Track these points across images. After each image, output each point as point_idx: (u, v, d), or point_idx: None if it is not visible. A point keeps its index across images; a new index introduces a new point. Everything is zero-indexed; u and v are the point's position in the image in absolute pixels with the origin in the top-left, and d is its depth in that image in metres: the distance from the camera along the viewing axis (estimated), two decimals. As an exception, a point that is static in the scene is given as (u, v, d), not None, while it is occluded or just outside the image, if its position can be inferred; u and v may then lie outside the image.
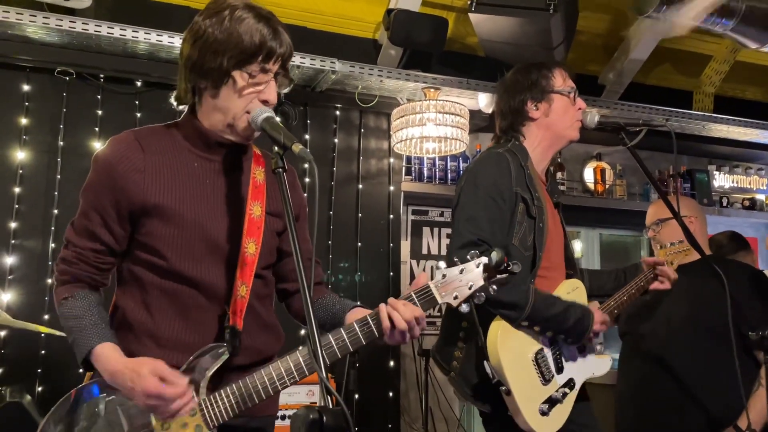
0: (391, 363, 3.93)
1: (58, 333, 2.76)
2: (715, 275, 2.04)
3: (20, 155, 3.36)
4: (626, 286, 2.24)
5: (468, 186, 2.04)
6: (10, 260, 3.27)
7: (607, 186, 4.72)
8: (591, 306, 2.12)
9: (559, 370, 2.03)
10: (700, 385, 2.41)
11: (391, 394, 3.92)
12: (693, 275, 2.47)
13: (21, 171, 3.35)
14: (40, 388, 3.22)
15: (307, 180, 3.81)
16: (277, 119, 1.44)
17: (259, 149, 1.68)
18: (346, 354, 1.44)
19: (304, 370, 1.43)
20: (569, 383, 2.04)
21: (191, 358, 1.44)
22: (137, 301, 1.49)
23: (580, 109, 2.21)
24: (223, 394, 1.43)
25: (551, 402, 1.97)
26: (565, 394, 2.01)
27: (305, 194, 3.67)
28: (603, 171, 4.74)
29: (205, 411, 1.41)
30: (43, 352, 3.24)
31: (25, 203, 3.35)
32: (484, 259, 1.45)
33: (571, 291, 2.13)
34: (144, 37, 3.27)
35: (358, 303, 1.67)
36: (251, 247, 1.52)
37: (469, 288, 1.45)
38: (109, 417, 1.41)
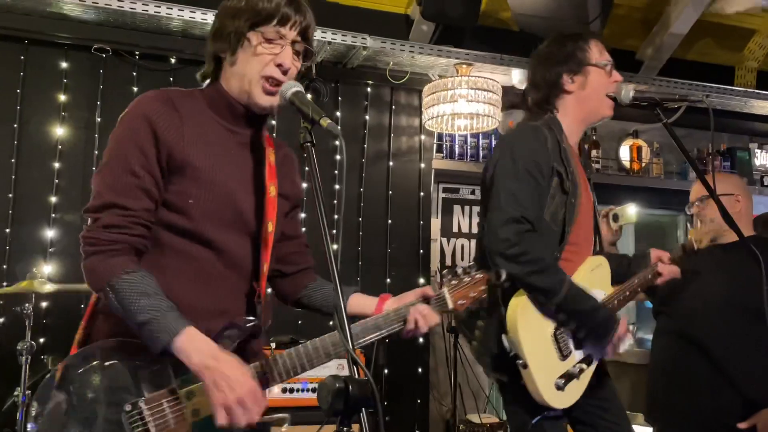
0: (421, 339, 3.95)
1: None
2: (754, 255, 2.00)
3: (59, 131, 3.44)
4: (630, 281, 2.20)
5: (505, 159, 2.01)
6: (50, 233, 3.37)
7: (643, 164, 4.62)
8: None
9: (578, 345, 2.02)
10: (734, 364, 2.38)
11: (420, 369, 3.95)
12: (732, 254, 2.42)
13: (60, 147, 3.44)
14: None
15: (337, 157, 3.82)
16: (308, 95, 1.44)
17: (268, 133, 1.68)
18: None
19: (331, 351, 1.46)
20: (587, 359, 2.03)
21: (224, 327, 1.42)
22: (151, 263, 1.42)
23: (615, 82, 2.16)
24: (253, 370, 1.41)
25: (567, 377, 1.96)
26: (581, 370, 2.00)
27: (335, 171, 3.78)
28: (639, 149, 4.64)
29: None
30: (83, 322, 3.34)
31: (64, 178, 3.44)
32: (485, 275, 1.65)
33: (595, 268, 2.11)
34: (177, 14, 3.31)
35: (356, 288, 1.71)
36: (270, 226, 1.54)
37: (473, 297, 1.64)
38: (121, 382, 1.34)
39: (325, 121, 1.32)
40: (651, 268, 2.25)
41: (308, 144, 1.36)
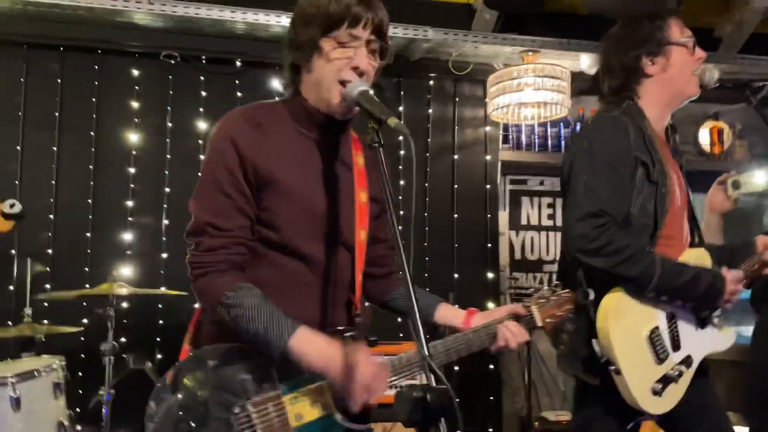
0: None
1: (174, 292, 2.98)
2: None
3: (133, 137, 3.56)
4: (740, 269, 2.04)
5: (582, 153, 1.91)
6: (128, 236, 3.49)
7: (725, 147, 4.37)
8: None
9: (676, 347, 1.91)
10: None
11: (492, 366, 3.89)
12: None
13: (134, 152, 3.55)
14: (159, 356, 3.44)
15: (402, 152, 3.78)
16: (372, 92, 1.40)
17: (356, 134, 1.66)
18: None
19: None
20: (686, 361, 1.91)
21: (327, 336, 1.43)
22: (248, 274, 1.45)
23: (699, 59, 2.02)
24: None
25: (665, 381, 1.86)
26: (681, 373, 1.89)
27: (400, 166, 3.74)
28: (720, 131, 4.39)
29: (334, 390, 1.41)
30: (161, 322, 3.46)
31: (139, 183, 3.55)
32: (572, 294, 1.68)
33: (695, 261, 1.98)
34: (242, 17, 3.35)
35: (443, 299, 1.70)
36: (362, 235, 1.53)
37: (560, 315, 1.68)
38: (229, 385, 1.39)
39: (392, 121, 1.29)
40: (758, 258, 2.09)
41: (376, 145, 1.33)
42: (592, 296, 1.64)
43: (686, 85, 2.00)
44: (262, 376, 1.40)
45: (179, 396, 1.39)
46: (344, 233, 1.51)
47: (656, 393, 1.84)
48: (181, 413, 1.38)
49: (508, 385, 4.00)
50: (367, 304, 1.71)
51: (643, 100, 2.01)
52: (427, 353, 1.11)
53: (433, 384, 1.07)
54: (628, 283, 1.82)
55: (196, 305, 1.56)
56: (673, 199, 1.94)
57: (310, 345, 1.35)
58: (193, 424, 1.38)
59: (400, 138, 3.82)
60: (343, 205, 1.51)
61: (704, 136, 4.42)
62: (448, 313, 1.65)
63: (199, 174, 1.48)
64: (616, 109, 1.98)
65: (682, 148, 4.28)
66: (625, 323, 1.84)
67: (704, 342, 1.96)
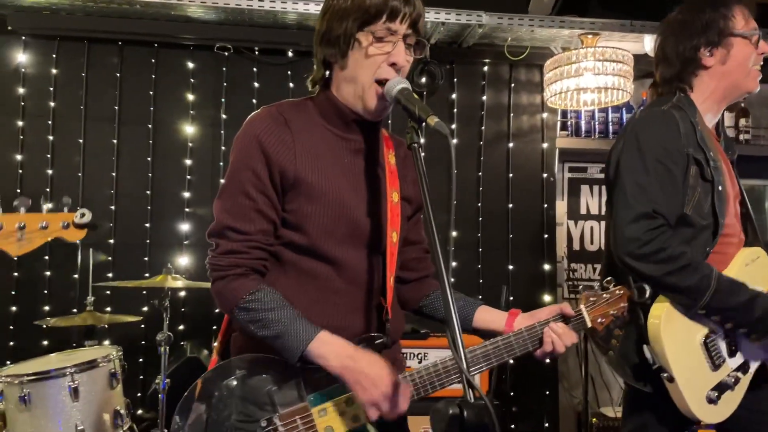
0: (548, 328, 3.77)
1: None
2: None
3: (189, 129, 3.62)
4: None
5: (630, 150, 1.80)
6: (185, 227, 3.56)
7: (802, 132, 4.08)
8: None
9: (732, 353, 1.79)
10: None
11: (548, 360, 3.78)
12: None
13: (191, 144, 3.61)
14: (215, 344, 3.50)
15: (453, 156, 3.70)
16: (413, 92, 1.34)
17: (388, 132, 1.61)
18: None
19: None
20: (743, 366, 1.80)
21: (356, 344, 1.39)
22: (275, 280, 1.43)
23: (763, 53, 1.87)
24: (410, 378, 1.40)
25: (721, 388, 1.75)
26: (737, 380, 1.77)
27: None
28: (798, 115, 4.10)
29: None
30: (217, 311, 3.52)
31: (195, 174, 3.61)
32: (627, 291, 1.57)
33: (751, 262, 1.85)
34: (292, 7, 3.34)
35: (482, 302, 1.60)
36: (394, 236, 1.47)
37: (612, 315, 1.56)
38: (256, 397, 1.36)
39: (432, 120, 1.23)
40: None
41: (415, 145, 1.28)
42: (648, 293, 1.51)
43: (745, 80, 1.87)
44: (290, 387, 1.37)
45: (205, 408, 1.37)
46: (375, 235, 1.45)
47: (711, 401, 1.74)
48: (205, 427, 1.36)
49: (565, 378, 3.90)
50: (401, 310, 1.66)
51: (697, 92, 1.88)
52: (465, 366, 1.05)
53: (471, 399, 1.02)
54: (679, 294, 1.71)
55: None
56: (728, 197, 1.82)
57: (329, 347, 1.31)
58: None
59: (453, 127, 3.75)
60: (375, 205, 1.46)
61: (781, 120, 4.14)
62: (487, 317, 1.56)
63: None
64: (666, 102, 1.86)
65: (756, 132, 4.07)
66: (679, 328, 1.74)
67: (763, 347, 1.83)
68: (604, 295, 1.55)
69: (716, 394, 1.74)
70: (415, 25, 1.42)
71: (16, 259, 3.35)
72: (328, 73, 1.48)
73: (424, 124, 1.26)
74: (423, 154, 1.32)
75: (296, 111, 1.47)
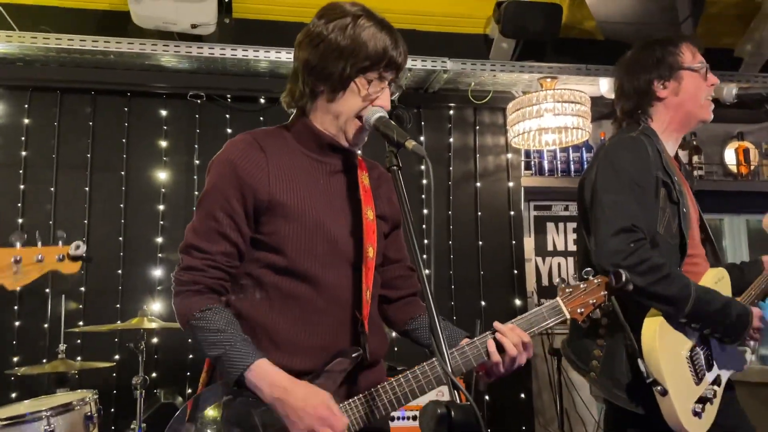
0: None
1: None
2: None
3: (162, 175, 3.65)
4: (747, 292, 2.02)
5: (605, 172, 1.91)
6: (158, 272, 3.55)
7: (752, 167, 4.32)
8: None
9: (709, 366, 1.88)
10: None
11: (523, 395, 3.82)
12: None
13: (163, 190, 3.64)
14: (189, 390, 3.46)
15: (424, 181, 3.81)
16: (387, 118, 1.44)
17: (360, 155, 1.68)
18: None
19: (432, 381, 1.43)
20: (717, 380, 1.88)
21: (330, 359, 1.43)
22: (256, 303, 1.46)
23: (712, 85, 2.03)
24: (358, 402, 1.43)
25: (703, 401, 1.82)
26: (714, 393, 1.85)
27: (422, 195, 3.77)
28: (746, 151, 4.34)
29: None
30: (191, 356, 3.49)
31: (168, 219, 3.63)
32: (604, 278, 1.54)
33: (718, 281, 1.96)
34: (264, 56, 3.45)
35: (468, 334, 1.60)
36: (371, 251, 1.51)
37: (592, 304, 1.54)
38: (241, 420, 1.38)
39: (410, 143, 1.32)
40: (765, 276, 2.07)
41: (395, 168, 1.36)
42: (624, 277, 1.50)
43: (698, 110, 2.02)
44: (306, 383, 1.39)
45: (193, 430, 1.39)
46: (352, 250, 1.50)
47: (696, 414, 1.80)
48: None
49: (540, 414, 3.93)
50: (389, 330, 1.69)
51: (656, 122, 2.03)
52: (450, 369, 1.11)
53: (458, 400, 1.07)
54: (665, 303, 1.78)
55: None
56: (691, 220, 1.93)
57: (263, 378, 1.34)
58: None
59: (422, 167, 3.86)
60: (350, 222, 1.52)
61: (730, 156, 4.38)
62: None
63: None
64: (633, 130, 1.99)
65: (708, 169, 4.28)
66: (669, 341, 1.82)
67: (728, 361, 1.94)
68: (581, 286, 1.54)
69: (700, 408, 1.81)
70: (399, 72, 1.53)
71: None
72: (309, 100, 1.54)
73: (401, 147, 1.34)
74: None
75: (271, 137, 1.54)
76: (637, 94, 2.04)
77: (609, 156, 1.94)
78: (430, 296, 1.20)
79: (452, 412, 1.04)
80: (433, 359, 1.42)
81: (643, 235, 1.78)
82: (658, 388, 1.74)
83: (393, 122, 1.42)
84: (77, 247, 1.89)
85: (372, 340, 1.49)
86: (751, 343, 1.90)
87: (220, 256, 1.45)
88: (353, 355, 1.44)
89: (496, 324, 1.48)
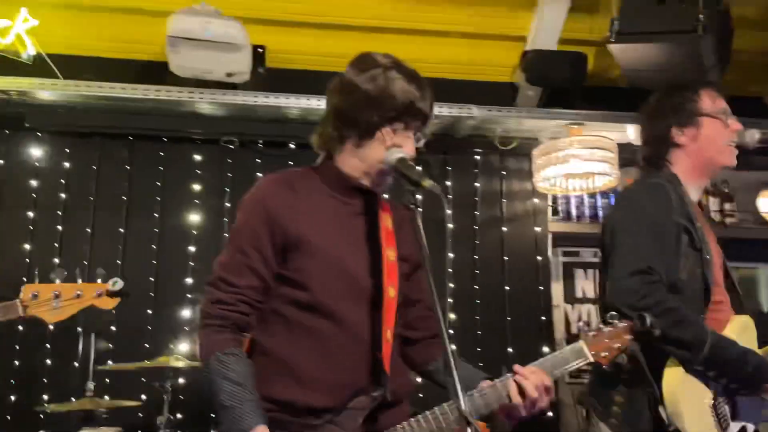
0: (549, 413, 3.73)
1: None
2: None
3: (193, 218, 3.75)
4: None
5: (625, 215, 1.92)
6: (187, 313, 3.61)
7: (785, 215, 4.24)
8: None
9: (734, 415, 1.82)
10: None
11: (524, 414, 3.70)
12: None
13: (195, 232, 3.73)
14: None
15: (450, 225, 3.82)
16: (408, 159, 1.48)
17: (386, 198, 1.72)
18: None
19: (451, 421, 1.41)
20: (743, 431, 1.82)
21: (351, 397, 1.44)
22: (279, 338, 1.49)
23: (735, 131, 2.02)
24: None
25: None
26: None
27: (450, 240, 3.78)
28: (780, 198, 4.27)
29: None
30: (215, 397, 3.49)
31: (198, 261, 3.70)
32: (629, 322, 1.52)
33: (743, 329, 1.92)
34: (295, 103, 3.57)
35: (488, 376, 1.58)
36: (391, 292, 1.54)
37: (617, 348, 1.52)
38: None
39: (426, 182, 1.36)
40: None
41: (413, 206, 1.39)
42: (649, 321, 1.49)
43: (718, 156, 2.01)
44: None
45: None
46: (373, 290, 1.53)
47: None
48: None
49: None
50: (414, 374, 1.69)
51: (676, 168, 2.02)
52: (464, 407, 1.11)
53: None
54: (681, 348, 1.75)
55: None
56: (715, 266, 1.91)
57: None
58: None
59: (449, 212, 3.89)
60: (371, 262, 1.54)
61: (765, 205, 4.31)
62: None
63: None
64: (655, 176, 2.00)
65: (742, 216, 4.21)
66: (691, 389, 1.78)
67: (755, 412, 1.87)
68: (605, 330, 1.52)
69: None
70: (426, 122, 1.59)
71: (17, 348, 3.38)
72: (338, 144, 1.60)
73: (419, 187, 1.38)
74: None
75: (301, 177, 1.60)
76: (657, 141, 2.05)
77: (630, 200, 1.95)
78: (446, 335, 1.21)
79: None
80: (452, 400, 1.39)
81: (659, 278, 1.77)
82: None
83: (412, 163, 1.46)
84: (115, 283, 1.96)
85: (393, 380, 1.50)
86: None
87: (249, 291, 1.48)
88: (373, 394, 1.45)
89: (517, 367, 1.47)
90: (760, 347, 1.97)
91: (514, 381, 1.45)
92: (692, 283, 1.84)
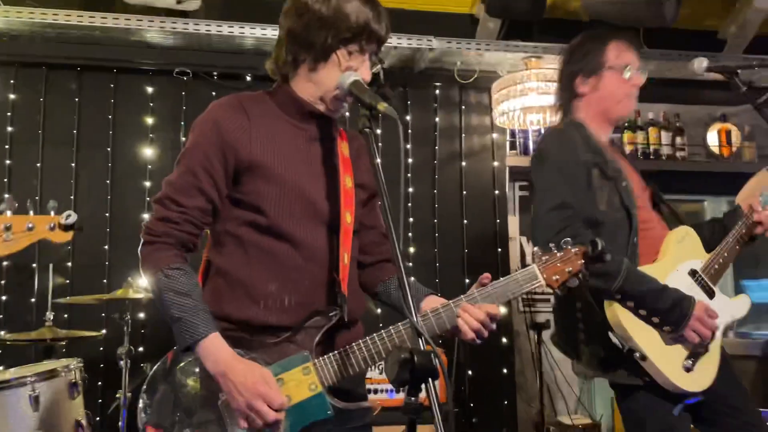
0: (504, 339, 3.89)
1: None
2: None
3: (148, 152, 3.67)
4: (725, 240, 2.08)
5: (536, 167, 2.03)
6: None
7: (733, 149, 4.37)
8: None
9: None
10: None
11: (505, 370, 3.89)
12: None
13: (150, 167, 3.66)
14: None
15: (410, 160, 3.83)
16: (362, 82, 1.48)
17: (343, 127, 1.72)
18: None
19: (405, 340, 1.46)
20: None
21: (308, 317, 1.47)
22: (235, 259, 1.50)
23: (635, 85, 2.11)
24: (333, 358, 1.47)
25: (694, 355, 1.89)
26: (707, 345, 1.92)
27: (409, 174, 3.81)
28: (728, 133, 4.39)
29: (319, 370, 1.46)
30: (176, 331, 3.51)
31: (154, 195, 3.63)
32: (582, 247, 1.56)
33: (682, 239, 2.03)
34: (250, 32, 3.47)
35: (431, 291, 1.65)
36: (348, 217, 1.56)
37: (568, 272, 1.56)
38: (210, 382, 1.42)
39: (382, 106, 1.36)
40: (744, 221, 2.12)
41: (368, 130, 1.39)
42: (600, 245, 1.53)
43: (615, 106, 2.10)
44: (250, 359, 1.43)
45: (171, 384, 1.45)
46: (330, 215, 1.55)
47: (689, 369, 1.86)
48: (173, 401, 1.43)
49: (523, 389, 4.00)
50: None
51: (580, 114, 2.12)
52: (415, 320, 1.15)
53: (421, 347, 1.12)
54: (595, 279, 1.81)
55: None
56: (634, 191, 2.00)
57: (211, 354, 1.39)
58: (184, 411, 1.43)
59: (408, 146, 3.90)
60: (329, 187, 1.56)
61: (713, 138, 4.43)
62: (433, 304, 1.55)
63: None
64: (562, 123, 2.12)
65: (691, 150, 4.33)
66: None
67: (721, 311, 1.97)
68: (558, 254, 1.57)
69: (691, 362, 1.87)
70: (380, 46, 1.57)
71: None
72: (292, 69, 1.58)
73: (374, 110, 1.38)
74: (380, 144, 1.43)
75: (255, 101, 1.59)
76: (564, 88, 2.15)
77: (540, 149, 2.07)
78: (400, 257, 1.24)
79: (415, 357, 1.08)
80: (408, 319, 1.45)
81: (574, 212, 1.87)
82: (636, 355, 1.81)
83: (367, 87, 1.45)
84: (68, 216, 1.92)
85: (350, 301, 1.54)
86: (695, 338, 1.87)
87: (196, 211, 1.49)
88: (330, 314, 1.49)
89: (464, 305, 1.49)
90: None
91: (459, 319, 1.48)
92: (613, 212, 1.94)
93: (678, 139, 4.30)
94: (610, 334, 1.85)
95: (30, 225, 1.88)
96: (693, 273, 2.01)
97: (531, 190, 2.05)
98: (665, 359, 1.83)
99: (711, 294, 2.01)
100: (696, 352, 1.89)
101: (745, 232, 2.11)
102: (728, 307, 2.03)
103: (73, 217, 1.93)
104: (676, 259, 1.99)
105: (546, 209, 1.88)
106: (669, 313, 1.85)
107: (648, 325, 1.87)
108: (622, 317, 1.84)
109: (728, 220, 2.18)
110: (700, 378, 1.89)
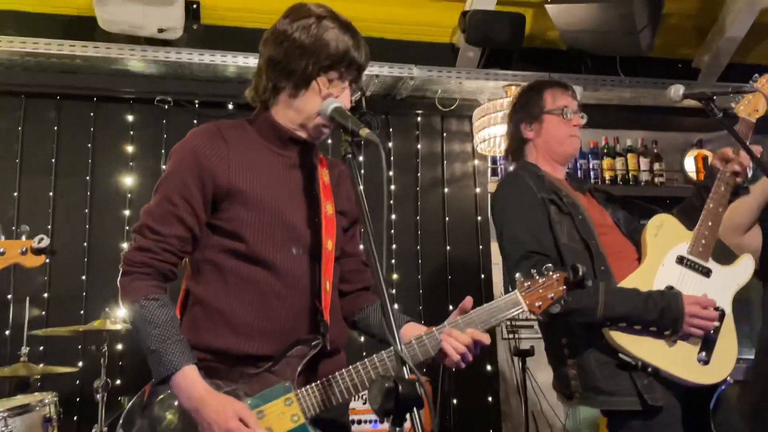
0: (488, 367, 3.86)
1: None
2: None
3: (128, 180, 3.63)
4: (705, 207, 2.03)
5: (497, 213, 2.14)
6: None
7: (710, 174, 4.44)
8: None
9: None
10: None
11: (490, 399, 3.85)
12: None
13: (129, 195, 3.62)
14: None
15: (392, 187, 3.84)
16: (344, 108, 1.48)
17: (323, 155, 1.72)
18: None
19: (389, 369, 1.44)
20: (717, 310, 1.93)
21: (290, 346, 1.45)
22: (214, 287, 1.48)
23: (576, 125, 2.21)
24: (315, 388, 1.44)
25: (707, 346, 1.89)
26: (716, 330, 1.92)
27: (391, 202, 3.81)
28: (705, 158, 4.46)
29: (302, 400, 1.42)
30: (155, 362, 3.44)
31: (133, 225, 3.58)
32: (563, 273, 1.56)
33: (658, 230, 2.03)
34: (232, 61, 3.47)
35: (411, 318, 1.64)
36: (329, 244, 1.55)
37: (551, 298, 1.55)
38: (188, 416, 1.39)
39: (364, 131, 1.35)
40: (720, 175, 2.10)
41: (350, 156, 1.39)
42: (582, 271, 1.53)
43: (560, 147, 2.21)
44: (228, 393, 1.40)
45: (148, 419, 1.41)
46: (311, 241, 1.53)
47: (705, 362, 1.88)
48: None
49: (508, 417, 3.96)
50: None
51: (530, 158, 2.24)
52: (399, 348, 1.13)
53: (406, 376, 1.10)
54: (576, 316, 1.89)
55: None
56: (596, 224, 2.05)
57: (185, 388, 1.37)
58: None
59: (391, 174, 3.90)
60: (310, 214, 1.55)
61: (690, 164, 4.50)
62: (413, 332, 1.53)
63: None
64: (515, 169, 2.23)
65: (669, 176, 4.39)
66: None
67: (723, 285, 1.97)
68: (540, 280, 1.56)
69: (705, 354, 1.88)
70: (360, 74, 1.58)
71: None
72: (272, 96, 1.58)
73: (356, 136, 1.37)
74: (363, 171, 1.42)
75: (233, 128, 1.58)
76: (512, 136, 2.30)
77: (496, 197, 2.16)
78: (383, 284, 1.22)
79: (399, 386, 1.06)
80: (391, 348, 1.41)
81: (541, 256, 1.92)
82: (649, 369, 1.83)
83: (348, 113, 1.45)
84: (40, 240, 1.88)
85: (332, 329, 1.51)
86: (698, 332, 1.87)
87: (174, 240, 1.47)
88: (313, 343, 1.47)
89: (448, 329, 1.47)
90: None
91: (443, 342, 1.46)
92: (574, 244, 1.99)
93: (656, 165, 4.36)
94: (621, 355, 1.87)
95: (1, 250, 1.84)
96: (681, 259, 1.99)
97: (498, 234, 2.12)
98: (678, 363, 1.85)
99: (707, 272, 1.98)
100: (707, 342, 1.88)
101: (724, 189, 2.06)
102: (730, 277, 2.01)
103: (46, 241, 1.90)
104: (659, 254, 1.98)
105: (514, 262, 1.97)
106: (661, 320, 1.86)
107: (649, 336, 1.88)
108: (619, 340, 1.86)
109: (706, 183, 2.16)
110: (720, 365, 1.89)
